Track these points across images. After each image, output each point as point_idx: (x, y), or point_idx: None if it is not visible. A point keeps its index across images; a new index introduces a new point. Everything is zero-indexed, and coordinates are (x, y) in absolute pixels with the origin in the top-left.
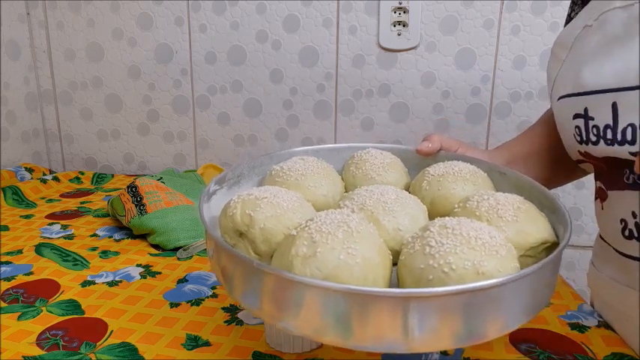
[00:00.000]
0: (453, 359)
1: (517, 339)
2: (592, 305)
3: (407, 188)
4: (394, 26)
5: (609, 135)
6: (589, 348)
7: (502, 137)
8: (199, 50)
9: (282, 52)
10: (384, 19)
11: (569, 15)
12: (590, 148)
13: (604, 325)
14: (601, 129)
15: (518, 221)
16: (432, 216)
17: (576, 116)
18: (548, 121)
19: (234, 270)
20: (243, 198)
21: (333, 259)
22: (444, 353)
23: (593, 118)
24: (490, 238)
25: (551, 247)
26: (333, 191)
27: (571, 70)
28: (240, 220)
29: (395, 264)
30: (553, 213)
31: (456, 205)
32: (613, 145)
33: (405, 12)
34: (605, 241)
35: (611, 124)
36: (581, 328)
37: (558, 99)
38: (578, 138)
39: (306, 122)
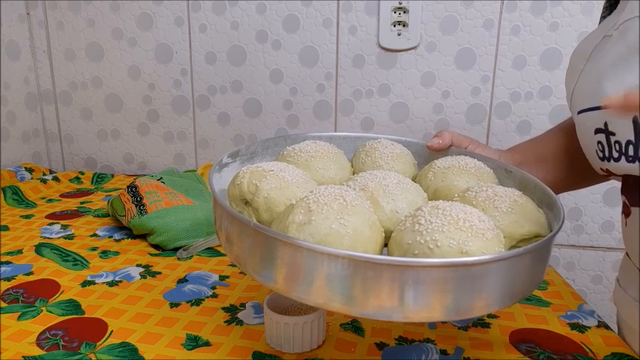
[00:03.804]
0: (453, 359)
1: (517, 339)
2: (618, 325)
3: (413, 179)
4: (394, 26)
5: (631, 152)
6: (589, 348)
7: (502, 137)
8: (199, 50)
9: (282, 52)
10: (384, 19)
11: (601, 16)
12: (612, 165)
13: (604, 325)
14: (623, 145)
15: (513, 213)
16: None
17: (597, 131)
18: (567, 128)
19: (236, 232)
20: (251, 169)
21: (325, 228)
22: (443, 353)
23: (614, 134)
24: (479, 222)
25: None
26: (341, 175)
27: (590, 83)
28: (246, 188)
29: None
30: (550, 210)
31: (456, 195)
32: (634, 162)
33: (405, 12)
34: (628, 257)
35: (633, 139)
36: (581, 328)
37: (578, 113)
38: (601, 154)
39: (306, 122)
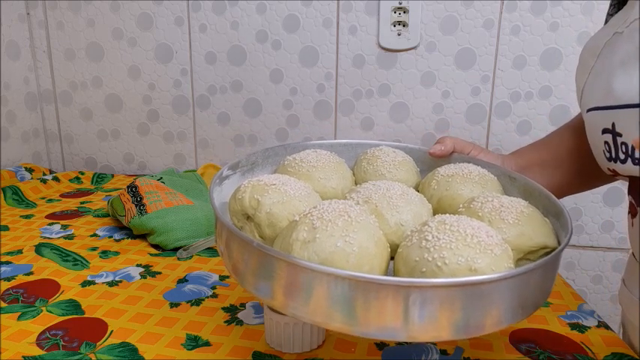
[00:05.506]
0: (453, 359)
1: (517, 339)
2: (622, 326)
3: (417, 187)
4: (394, 26)
5: (637, 154)
6: (589, 348)
7: (502, 137)
8: (199, 50)
9: (282, 52)
10: (384, 19)
11: (607, 14)
12: (618, 167)
13: (604, 325)
14: (629, 147)
15: (520, 224)
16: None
17: (605, 131)
18: (575, 127)
19: (236, 249)
20: (252, 183)
21: (330, 246)
22: (443, 353)
23: (620, 135)
24: (487, 237)
25: (551, 252)
26: (343, 184)
27: (600, 81)
28: (248, 203)
29: (393, 258)
30: (557, 219)
31: (461, 205)
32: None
33: (405, 12)
34: (634, 257)
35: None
36: (581, 328)
37: (587, 111)
38: (608, 155)
39: (306, 122)
